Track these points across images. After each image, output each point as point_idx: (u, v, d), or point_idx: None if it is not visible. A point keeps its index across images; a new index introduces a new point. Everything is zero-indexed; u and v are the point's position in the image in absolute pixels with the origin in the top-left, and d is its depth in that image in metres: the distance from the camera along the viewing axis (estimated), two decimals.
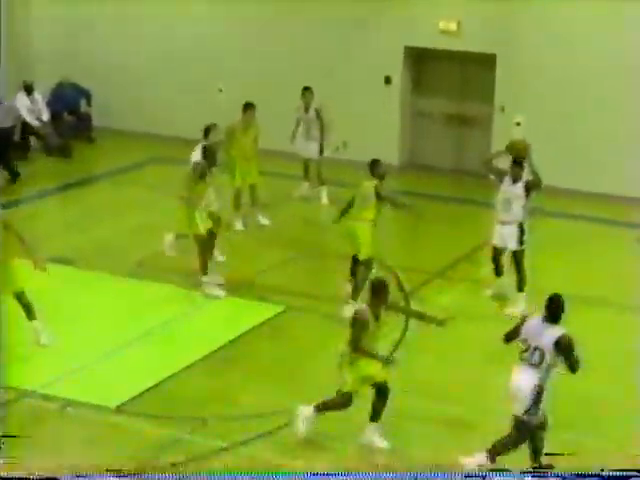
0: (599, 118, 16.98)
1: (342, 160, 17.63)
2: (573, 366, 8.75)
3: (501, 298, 12.93)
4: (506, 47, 17.47)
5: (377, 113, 18.48)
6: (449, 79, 18.53)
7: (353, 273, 12.65)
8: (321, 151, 16.58)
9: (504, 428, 9.04)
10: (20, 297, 11.24)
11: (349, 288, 12.59)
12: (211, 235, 12.98)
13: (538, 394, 8.73)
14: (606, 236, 15.53)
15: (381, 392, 9.59)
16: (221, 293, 12.85)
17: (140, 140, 19.63)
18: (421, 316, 10.34)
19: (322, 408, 9.70)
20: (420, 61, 18.63)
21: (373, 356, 9.51)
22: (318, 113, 16.39)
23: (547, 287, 12.21)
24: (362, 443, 9.67)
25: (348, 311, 11.43)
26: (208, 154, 13.04)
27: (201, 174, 12.79)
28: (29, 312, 11.32)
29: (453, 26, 17.73)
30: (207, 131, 13.49)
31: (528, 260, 12.78)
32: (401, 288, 13.04)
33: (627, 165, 16.81)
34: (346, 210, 12.53)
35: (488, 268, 13.23)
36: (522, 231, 12.60)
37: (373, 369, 9.54)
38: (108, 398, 10.40)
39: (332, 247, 14.65)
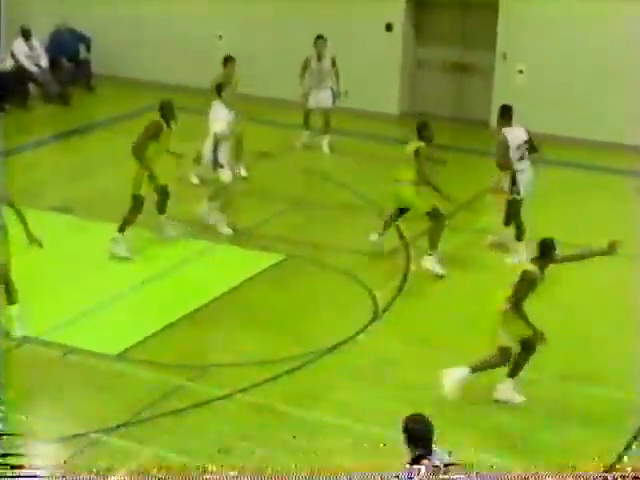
0: (601, 66, 16.86)
1: (343, 109, 17.53)
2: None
3: (501, 247, 12.93)
4: None
5: (378, 61, 18.35)
6: (451, 26, 18.36)
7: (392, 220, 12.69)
8: (334, 100, 16.48)
9: None
10: (7, 281, 10.48)
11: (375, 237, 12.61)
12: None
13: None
14: (606, 185, 15.50)
15: (527, 346, 9.39)
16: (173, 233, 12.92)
17: (140, 88, 19.49)
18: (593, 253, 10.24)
19: (480, 368, 9.44)
20: (422, 8, 18.46)
21: (527, 320, 9.29)
22: (334, 61, 16.28)
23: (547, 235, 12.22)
24: (497, 399, 9.54)
25: (372, 237, 12.53)
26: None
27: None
28: (10, 295, 10.56)
29: None
30: (219, 88, 13.27)
31: (529, 209, 12.77)
32: (401, 236, 13.08)
33: (630, 114, 16.72)
34: None
35: (493, 216, 13.25)
36: (514, 180, 12.51)
37: (525, 328, 9.34)
38: (109, 345, 10.45)
39: (333, 196, 14.66)
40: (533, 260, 9.43)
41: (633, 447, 8.74)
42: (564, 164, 16.14)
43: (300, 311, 11.40)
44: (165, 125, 12.45)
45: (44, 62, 19.09)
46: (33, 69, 18.94)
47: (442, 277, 12.11)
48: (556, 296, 11.29)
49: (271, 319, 11.18)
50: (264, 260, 12.51)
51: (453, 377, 9.37)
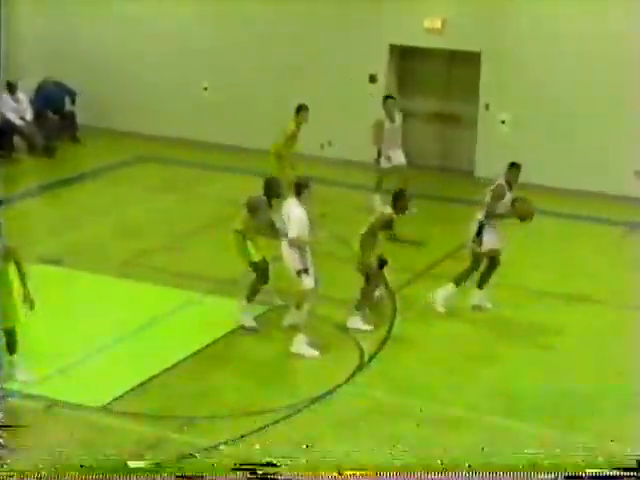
0: (584, 116, 17.02)
1: (329, 158, 17.67)
2: None
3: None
4: (491, 45, 17.51)
5: (362, 111, 18.46)
6: (434, 77, 18.56)
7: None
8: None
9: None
10: (10, 333, 10.77)
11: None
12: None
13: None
14: (590, 234, 15.57)
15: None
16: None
17: (125, 139, 19.58)
18: None
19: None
20: (405, 59, 18.65)
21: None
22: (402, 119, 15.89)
23: (529, 284, 12.35)
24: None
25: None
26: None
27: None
28: (11, 347, 10.80)
29: (438, 24, 17.76)
30: (299, 187, 11.66)
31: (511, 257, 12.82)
32: (386, 285, 13.10)
33: (611, 163, 16.87)
34: None
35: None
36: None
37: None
38: (94, 397, 10.37)
39: (317, 247, 14.63)
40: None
41: None
42: (546, 213, 16.21)
43: (284, 361, 11.36)
44: (268, 203, 12.05)
45: (29, 115, 19.16)
46: (18, 122, 19.01)
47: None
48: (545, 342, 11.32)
49: (255, 370, 11.13)
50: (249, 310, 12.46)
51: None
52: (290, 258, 11.42)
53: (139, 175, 18.00)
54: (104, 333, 11.81)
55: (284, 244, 11.49)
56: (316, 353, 11.38)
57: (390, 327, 12.09)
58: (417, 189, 17.05)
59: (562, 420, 10.07)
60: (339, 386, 10.69)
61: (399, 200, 12.08)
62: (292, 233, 11.32)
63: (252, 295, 12.10)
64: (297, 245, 11.36)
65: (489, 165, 17.70)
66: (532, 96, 17.38)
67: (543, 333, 11.94)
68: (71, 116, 19.97)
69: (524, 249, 13.59)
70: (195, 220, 15.65)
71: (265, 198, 12.01)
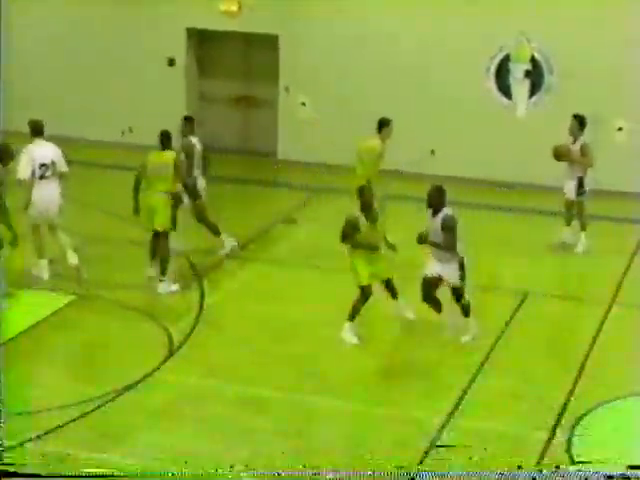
0: (380, 98, 17.32)
1: (130, 144, 17.40)
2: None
3: None
4: (288, 28, 17.61)
5: (162, 96, 18.26)
6: (234, 61, 18.55)
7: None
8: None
9: None
10: None
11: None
12: None
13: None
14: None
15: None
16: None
17: None
18: None
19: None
20: (204, 43, 18.54)
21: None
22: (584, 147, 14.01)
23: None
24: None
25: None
26: None
27: None
28: None
29: (234, 7, 17.74)
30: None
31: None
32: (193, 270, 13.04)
33: (410, 142, 17.26)
34: None
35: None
36: None
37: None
38: None
39: (123, 233, 14.38)
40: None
41: None
42: (341, 192, 16.45)
43: (92, 352, 11.15)
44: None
45: None
46: None
47: None
48: None
49: (62, 362, 10.88)
50: (53, 302, 12.14)
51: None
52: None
53: None
54: None
55: None
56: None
57: (199, 312, 12.03)
58: (219, 172, 17.02)
59: (370, 395, 10.30)
60: (148, 375, 10.55)
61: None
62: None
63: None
64: None
65: (291, 147, 17.91)
66: (330, 78, 17.59)
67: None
68: None
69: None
70: None
71: None
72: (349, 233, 11.23)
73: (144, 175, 12.63)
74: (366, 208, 11.27)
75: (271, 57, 17.95)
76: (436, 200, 11.11)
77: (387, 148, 14.19)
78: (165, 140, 12.68)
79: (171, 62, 18.29)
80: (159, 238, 12.66)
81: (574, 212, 14.21)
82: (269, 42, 17.83)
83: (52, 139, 12.77)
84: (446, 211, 11.10)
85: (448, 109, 16.94)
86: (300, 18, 17.57)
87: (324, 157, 17.43)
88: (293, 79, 17.84)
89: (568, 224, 14.30)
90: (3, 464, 8.60)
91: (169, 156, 12.62)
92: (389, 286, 11.61)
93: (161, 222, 12.55)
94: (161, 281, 12.56)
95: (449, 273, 11.18)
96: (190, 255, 13.51)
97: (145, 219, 12.70)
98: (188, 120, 14.02)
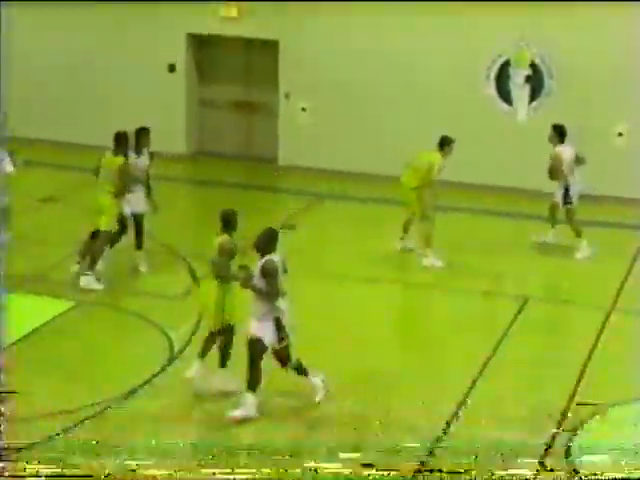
0: (380, 104, 17.36)
1: None
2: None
3: None
4: (288, 34, 17.63)
5: (162, 102, 18.28)
6: (234, 66, 18.57)
7: None
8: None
9: None
10: None
11: None
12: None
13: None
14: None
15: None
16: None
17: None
18: None
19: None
20: (204, 48, 18.56)
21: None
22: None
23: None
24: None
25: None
26: None
27: None
28: None
29: (234, 12, 17.77)
30: None
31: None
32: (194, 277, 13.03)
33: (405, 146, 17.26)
34: None
35: None
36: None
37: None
38: None
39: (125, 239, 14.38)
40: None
41: None
42: (342, 198, 16.46)
43: (93, 358, 11.15)
44: None
45: None
46: None
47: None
48: None
49: (63, 368, 10.87)
50: (54, 307, 12.16)
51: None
52: None
53: None
54: None
55: None
56: None
57: (199, 317, 12.05)
58: (220, 177, 17.10)
59: (368, 400, 10.29)
60: (148, 381, 10.55)
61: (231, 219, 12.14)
62: None
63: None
64: None
65: (292, 153, 17.92)
66: (330, 84, 17.59)
67: None
68: None
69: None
70: None
71: None
72: None
73: (97, 173, 12.91)
74: None
75: (271, 63, 17.96)
76: (263, 244, 10.12)
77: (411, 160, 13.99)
78: (117, 143, 12.88)
79: (172, 68, 18.31)
80: (98, 237, 12.79)
81: (558, 217, 14.39)
82: (269, 48, 17.85)
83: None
84: (271, 257, 10.00)
85: (448, 114, 16.95)
86: (300, 23, 17.59)
87: (325, 163, 17.47)
88: (293, 84, 17.85)
89: (553, 226, 14.46)
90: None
91: (117, 162, 12.81)
92: None
93: (106, 222, 12.73)
94: (85, 275, 12.65)
95: (266, 334, 9.97)
96: (190, 261, 13.52)
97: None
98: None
